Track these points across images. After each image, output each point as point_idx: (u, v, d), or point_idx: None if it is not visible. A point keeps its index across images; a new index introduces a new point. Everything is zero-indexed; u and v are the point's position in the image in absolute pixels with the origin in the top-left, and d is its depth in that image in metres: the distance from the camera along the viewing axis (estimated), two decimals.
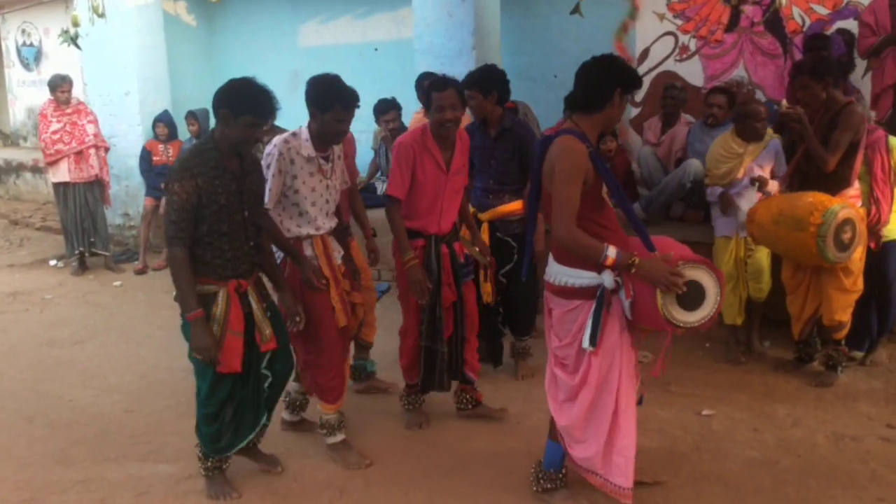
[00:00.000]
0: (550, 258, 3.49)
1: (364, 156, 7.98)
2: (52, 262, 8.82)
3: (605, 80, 3.31)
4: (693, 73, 7.38)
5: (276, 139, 4.03)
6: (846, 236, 4.44)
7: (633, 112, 7.71)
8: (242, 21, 9.87)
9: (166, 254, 3.55)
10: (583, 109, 3.37)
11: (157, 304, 7.31)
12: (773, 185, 5.11)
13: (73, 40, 5.90)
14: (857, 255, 4.68)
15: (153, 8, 8.95)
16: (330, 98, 3.96)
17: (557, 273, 3.42)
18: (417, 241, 4.32)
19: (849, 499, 3.67)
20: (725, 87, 6.70)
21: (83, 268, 8.40)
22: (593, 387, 3.38)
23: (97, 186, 8.33)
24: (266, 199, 3.92)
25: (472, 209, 4.92)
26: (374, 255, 4.74)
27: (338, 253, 4.29)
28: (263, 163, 3.95)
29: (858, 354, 5.20)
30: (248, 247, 3.73)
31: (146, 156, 8.65)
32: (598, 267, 3.25)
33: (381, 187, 7.57)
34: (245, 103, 3.52)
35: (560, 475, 3.66)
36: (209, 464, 3.90)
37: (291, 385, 4.39)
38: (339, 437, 4.22)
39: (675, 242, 3.44)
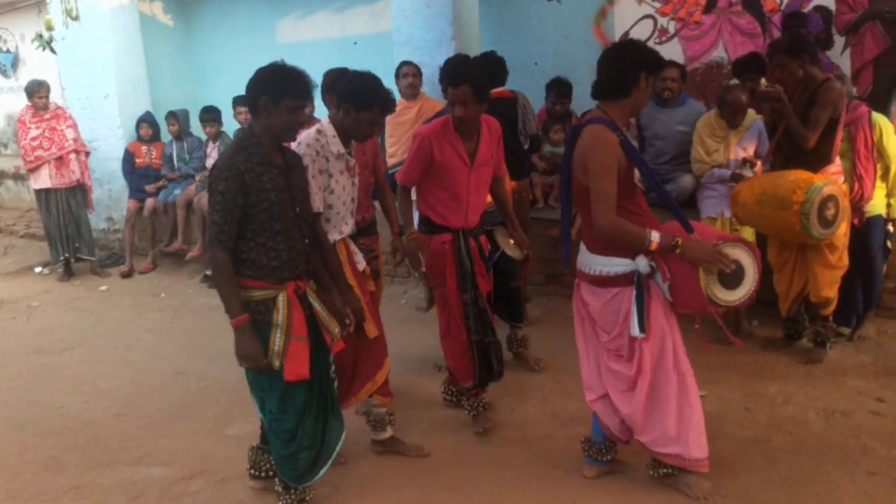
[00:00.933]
0: (583, 248, 3.50)
1: None
2: (38, 270, 8.77)
3: (629, 65, 3.32)
4: (673, 55, 7.35)
5: (304, 137, 3.78)
6: (829, 213, 4.46)
7: None
8: (219, 19, 9.80)
9: (208, 258, 3.44)
10: (610, 97, 3.37)
11: (144, 308, 7.28)
12: (758, 166, 5.13)
13: (48, 44, 5.84)
14: (842, 231, 4.70)
15: (129, 9, 8.87)
16: (371, 99, 3.78)
17: (591, 263, 3.44)
18: (444, 236, 4.31)
19: (841, 473, 3.70)
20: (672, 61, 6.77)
21: (69, 274, 8.35)
22: (649, 372, 3.42)
23: (79, 191, 8.28)
24: (318, 202, 3.70)
25: None
26: (398, 253, 4.51)
27: (358, 255, 4.12)
28: (308, 167, 3.71)
29: (846, 331, 5.24)
30: (302, 245, 3.45)
31: (129, 158, 8.61)
32: (633, 253, 3.30)
33: None
34: (284, 87, 3.34)
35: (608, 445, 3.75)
36: (292, 497, 3.57)
37: (368, 402, 4.14)
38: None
39: (703, 224, 3.48)
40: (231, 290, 3.27)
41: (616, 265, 3.37)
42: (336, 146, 3.80)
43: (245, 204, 3.22)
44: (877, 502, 3.50)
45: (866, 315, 5.29)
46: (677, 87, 6.05)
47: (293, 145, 3.68)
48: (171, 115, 8.40)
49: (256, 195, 3.23)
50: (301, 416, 3.43)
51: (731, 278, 3.25)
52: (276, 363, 3.32)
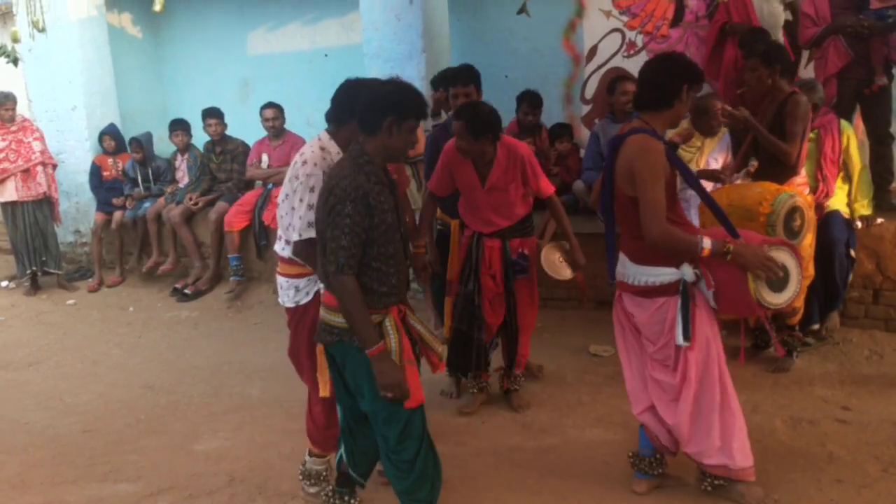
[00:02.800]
0: (625, 259, 3.52)
1: None
2: (4, 284, 8.62)
3: (672, 77, 3.37)
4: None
5: (310, 152, 3.48)
6: (795, 224, 4.51)
7: (585, 110, 7.77)
8: (189, 31, 9.75)
9: (333, 287, 3.01)
10: (652, 107, 3.41)
11: (112, 322, 7.21)
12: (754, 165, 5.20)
13: (14, 59, 5.77)
14: (808, 242, 4.76)
15: (97, 21, 8.80)
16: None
17: (636, 274, 3.46)
18: (467, 232, 4.62)
19: (808, 481, 3.73)
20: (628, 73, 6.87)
21: (35, 288, 8.23)
22: (694, 382, 3.44)
23: (46, 204, 8.18)
24: (304, 228, 3.40)
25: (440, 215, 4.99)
26: (423, 273, 4.41)
27: None
28: (307, 183, 3.39)
29: (812, 340, 5.30)
30: (406, 267, 3.26)
31: (96, 171, 8.53)
32: (678, 261, 3.33)
33: None
34: (411, 106, 3.09)
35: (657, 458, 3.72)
36: None
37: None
38: (327, 488, 3.77)
39: (746, 230, 3.51)
40: (365, 317, 3.00)
41: (661, 275, 3.39)
42: None
43: (369, 226, 3.02)
44: None
45: (829, 314, 5.37)
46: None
47: (296, 161, 3.49)
48: (135, 142, 8.35)
49: (379, 216, 3.03)
50: (420, 444, 3.21)
51: (777, 281, 3.32)
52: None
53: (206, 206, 7.87)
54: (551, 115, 7.47)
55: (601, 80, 7.59)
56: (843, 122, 5.26)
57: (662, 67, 3.41)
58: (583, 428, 4.45)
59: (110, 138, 8.48)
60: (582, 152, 6.81)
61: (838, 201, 5.31)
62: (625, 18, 7.46)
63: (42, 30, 6.08)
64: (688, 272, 3.34)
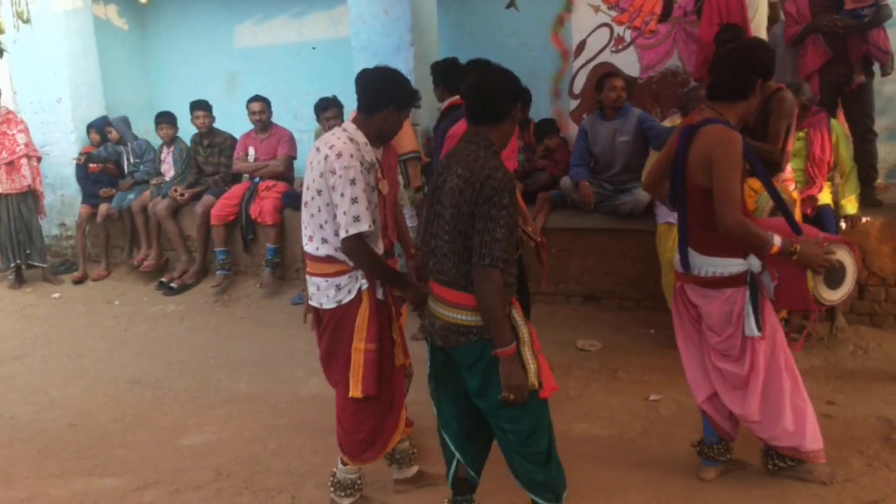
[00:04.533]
0: (690, 251, 3.52)
1: (306, 155, 7.91)
2: None
3: (753, 70, 3.41)
4: (629, 63, 7.46)
5: (341, 143, 3.33)
6: None
7: (573, 104, 7.78)
8: (176, 23, 9.69)
9: (480, 281, 2.85)
10: (728, 98, 3.43)
11: (97, 315, 7.17)
12: None
13: None
14: None
15: (82, 12, 8.72)
16: (412, 95, 3.50)
17: (703, 265, 3.48)
18: None
19: (792, 475, 3.75)
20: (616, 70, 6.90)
21: (20, 281, 8.17)
22: (762, 371, 3.50)
23: (30, 197, 8.10)
24: (366, 221, 3.28)
25: None
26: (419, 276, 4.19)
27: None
28: (347, 176, 3.27)
29: (797, 336, 5.34)
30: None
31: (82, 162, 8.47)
32: (745, 253, 3.38)
33: None
34: (522, 93, 3.14)
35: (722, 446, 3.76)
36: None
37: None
38: (357, 496, 3.73)
39: (807, 225, 3.62)
40: (504, 314, 2.93)
41: (730, 265, 3.42)
42: (370, 154, 3.41)
43: None
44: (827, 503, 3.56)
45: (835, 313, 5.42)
46: (626, 96, 6.15)
47: (328, 154, 3.33)
48: (107, 124, 8.40)
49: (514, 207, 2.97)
50: (551, 432, 3.14)
51: (834, 278, 3.37)
52: (536, 382, 2.97)
53: (192, 199, 7.83)
54: (539, 109, 7.47)
55: (589, 76, 7.60)
56: (833, 122, 5.32)
57: (743, 59, 3.43)
58: (570, 422, 4.46)
59: (95, 131, 8.43)
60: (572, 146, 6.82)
61: (825, 195, 5.39)
62: (613, 13, 7.47)
63: (27, 21, 6.03)
64: (755, 263, 3.40)
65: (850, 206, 5.42)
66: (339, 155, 3.29)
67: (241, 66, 9.36)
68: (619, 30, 7.49)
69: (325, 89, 7.26)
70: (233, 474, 4.11)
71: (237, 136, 7.91)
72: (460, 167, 2.95)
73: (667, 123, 5.91)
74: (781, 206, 3.51)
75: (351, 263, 3.40)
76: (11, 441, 4.67)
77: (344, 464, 3.67)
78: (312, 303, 3.58)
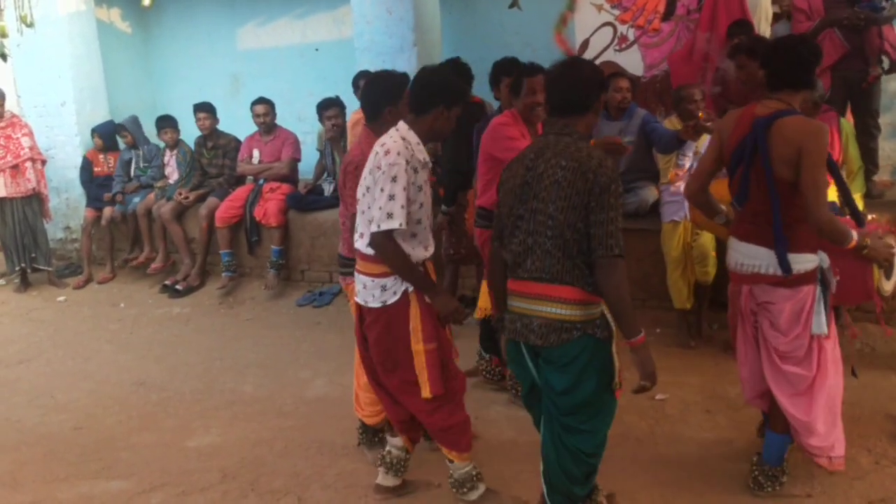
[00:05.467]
0: (757, 248, 3.41)
1: (310, 157, 7.93)
2: None
3: (815, 58, 3.39)
4: (633, 62, 7.45)
5: (391, 144, 3.35)
6: None
7: None
8: (178, 26, 9.70)
9: (611, 273, 2.84)
10: (791, 86, 3.37)
11: (103, 319, 7.17)
12: None
13: (1, 54, 5.72)
14: None
15: (86, 16, 8.74)
16: (461, 92, 3.53)
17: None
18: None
19: (801, 473, 3.73)
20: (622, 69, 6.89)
21: (25, 284, 8.18)
22: (831, 373, 3.42)
23: (35, 201, 8.12)
24: (398, 218, 3.27)
25: None
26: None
27: None
28: (389, 172, 3.27)
29: None
30: None
31: (87, 166, 8.48)
32: (816, 249, 3.34)
33: (328, 189, 7.51)
34: (606, 85, 3.17)
35: (781, 470, 3.62)
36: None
37: (391, 441, 3.83)
38: (482, 488, 3.70)
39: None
40: (631, 305, 2.96)
41: (805, 262, 3.33)
42: (422, 154, 3.42)
43: None
44: (835, 502, 3.56)
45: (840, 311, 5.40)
46: (631, 96, 6.15)
47: (377, 151, 3.36)
48: (121, 127, 8.38)
49: None
50: (605, 442, 3.16)
51: (889, 268, 3.40)
52: (619, 381, 3.03)
53: (196, 202, 7.84)
54: None
55: None
56: (842, 120, 5.28)
57: (804, 48, 3.40)
58: None
59: (98, 136, 8.42)
60: None
61: (831, 196, 5.32)
62: (616, 12, 7.46)
63: (30, 25, 6.04)
64: (825, 258, 3.34)
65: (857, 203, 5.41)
66: (387, 152, 3.30)
67: (245, 68, 9.37)
68: (622, 29, 7.48)
69: (328, 90, 7.27)
70: (239, 476, 4.11)
71: (241, 138, 7.91)
72: (563, 160, 2.91)
73: (667, 125, 5.88)
74: (848, 199, 3.53)
75: None
76: (17, 445, 4.67)
77: (450, 461, 3.64)
78: (357, 299, 3.56)
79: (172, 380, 5.55)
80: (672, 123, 5.61)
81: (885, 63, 5.85)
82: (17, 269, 8.09)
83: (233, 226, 7.57)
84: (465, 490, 3.65)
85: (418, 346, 3.40)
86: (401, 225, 3.27)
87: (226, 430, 4.71)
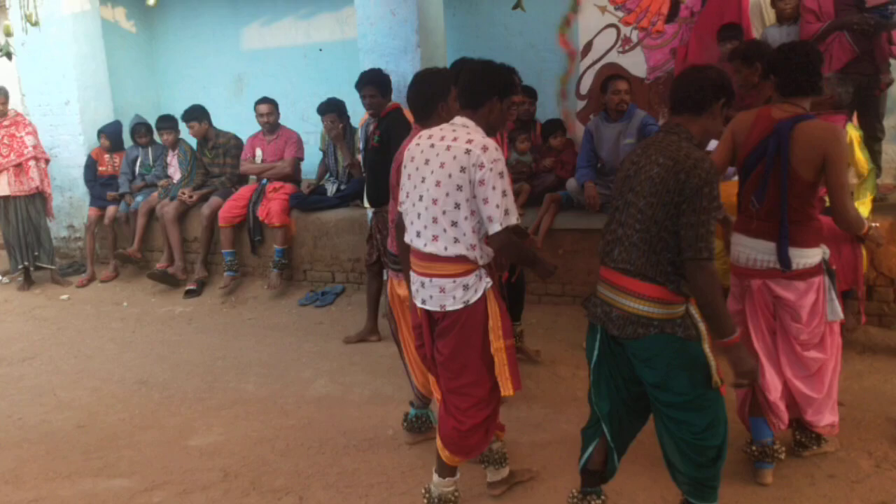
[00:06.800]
0: (771, 245, 3.56)
1: (313, 157, 7.95)
2: None
3: (819, 65, 3.56)
4: (636, 64, 7.45)
5: (481, 137, 3.26)
6: None
7: (580, 105, 7.77)
8: (183, 26, 9.72)
9: (699, 276, 2.83)
10: (803, 92, 3.54)
11: (106, 317, 7.19)
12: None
13: (7, 53, 5.73)
14: None
15: (91, 15, 8.76)
16: (512, 82, 3.46)
17: (797, 257, 3.53)
18: None
19: (801, 477, 3.75)
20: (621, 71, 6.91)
21: (29, 283, 8.21)
22: (839, 352, 3.74)
23: (39, 199, 8.15)
24: (514, 214, 3.24)
25: None
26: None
27: None
28: (496, 169, 3.18)
29: None
30: None
31: (91, 164, 8.50)
32: (818, 242, 3.57)
33: (330, 189, 7.52)
34: (728, 91, 3.16)
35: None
36: None
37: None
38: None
39: None
40: (725, 304, 2.99)
41: (814, 255, 3.54)
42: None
43: None
44: None
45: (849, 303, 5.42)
46: (630, 98, 6.15)
47: (470, 149, 3.21)
48: (143, 126, 8.40)
49: None
50: (726, 427, 3.10)
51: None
52: (718, 378, 2.99)
53: (199, 201, 7.86)
54: (546, 110, 7.48)
55: (596, 76, 7.59)
56: (849, 125, 5.26)
57: (815, 54, 3.56)
58: (577, 423, 4.41)
59: (105, 137, 8.44)
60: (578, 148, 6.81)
61: None
62: (620, 14, 7.46)
63: (35, 23, 6.04)
64: (826, 250, 3.58)
65: (864, 208, 5.38)
66: (484, 148, 3.19)
67: (249, 67, 9.38)
68: (625, 30, 7.47)
69: (331, 91, 7.29)
70: (240, 475, 4.12)
71: (244, 138, 7.92)
72: (661, 156, 2.94)
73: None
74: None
75: (481, 261, 3.32)
76: (20, 442, 4.69)
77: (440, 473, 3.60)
78: (427, 306, 3.41)
79: (175, 378, 5.56)
80: None
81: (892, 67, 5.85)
82: (20, 267, 8.13)
83: (236, 225, 7.59)
84: (494, 469, 3.71)
85: (498, 343, 3.35)
86: (518, 219, 3.26)
87: (228, 428, 4.72)
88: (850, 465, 3.83)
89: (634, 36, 7.44)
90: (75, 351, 6.31)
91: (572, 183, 6.41)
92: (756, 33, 6.29)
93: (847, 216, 3.51)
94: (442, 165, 3.25)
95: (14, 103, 8.24)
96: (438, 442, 3.56)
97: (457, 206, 3.23)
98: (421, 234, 3.36)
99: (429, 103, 3.78)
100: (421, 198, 3.33)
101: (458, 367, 3.41)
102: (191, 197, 7.81)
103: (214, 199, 7.72)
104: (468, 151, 3.19)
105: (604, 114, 6.34)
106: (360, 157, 6.99)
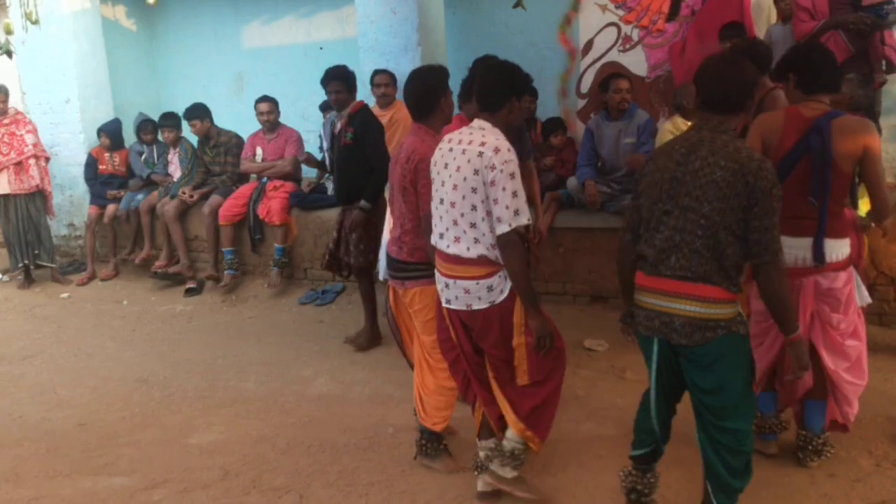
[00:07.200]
0: (827, 239, 3.60)
1: (313, 155, 7.94)
2: None
3: (836, 63, 3.65)
4: (637, 62, 7.45)
5: (493, 139, 3.28)
6: None
7: (580, 104, 7.77)
8: (184, 24, 9.72)
9: (775, 277, 2.86)
10: (824, 90, 3.60)
11: (106, 315, 7.19)
12: None
13: (7, 51, 5.73)
14: None
15: (91, 13, 8.76)
16: (526, 81, 3.49)
17: (835, 249, 3.60)
18: None
19: (801, 476, 3.75)
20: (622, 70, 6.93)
21: (29, 281, 8.21)
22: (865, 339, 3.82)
23: (39, 197, 8.15)
24: (524, 215, 3.25)
25: None
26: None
27: None
28: (507, 170, 3.20)
29: None
30: None
31: (92, 163, 8.49)
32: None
33: (330, 187, 7.52)
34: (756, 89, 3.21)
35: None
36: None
37: (483, 444, 3.73)
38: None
39: None
40: (791, 303, 3.08)
41: (847, 245, 3.65)
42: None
43: None
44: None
45: None
46: (631, 97, 6.15)
47: (482, 151, 3.24)
48: (150, 123, 8.39)
49: None
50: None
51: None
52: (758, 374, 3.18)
53: (200, 199, 7.85)
54: (546, 109, 7.48)
55: (597, 75, 7.59)
56: None
57: (829, 53, 3.67)
58: (578, 422, 4.46)
59: (105, 135, 8.43)
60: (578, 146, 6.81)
61: None
62: (621, 13, 7.46)
63: (35, 22, 6.04)
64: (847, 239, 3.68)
65: (865, 206, 5.38)
66: (496, 150, 3.21)
67: (249, 66, 9.38)
68: (626, 29, 7.47)
69: None
70: (240, 473, 4.12)
71: (245, 136, 7.92)
72: (721, 159, 2.86)
73: (668, 126, 5.88)
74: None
75: (501, 262, 3.32)
76: (20, 440, 4.69)
77: (507, 440, 3.61)
78: (453, 307, 3.45)
79: (175, 377, 5.56)
80: (675, 123, 5.61)
81: (885, 66, 5.85)
82: (20, 265, 8.13)
83: (236, 224, 7.59)
84: (506, 463, 3.60)
85: (520, 339, 3.38)
86: (528, 220, 3.27)
87: (228, 427, 4.72)
88: (850, 463, 3.83)
89: (635, 34, 7.44)
90: (75, 349, 6.31)
91: (573, 181, 6.41)
92: (759, 32, 6.28)
93: (887, 205, 3.58)
94: (458, 169, 3.30)
95: (14, 101, 8.24)
96: (511, 416, 3.53)
97: (473, 207, 3.27)
98: (444, 235, 3.42)
99: (430, 99, 3.78)
100: (442, 201, 3.39)
101: (478, 364, 3.58)
102: (191, 196, 7.81)
103: (215, 198, 7.72)
104: (481, 154, 3.24)
105: (604, 112, 6.34)
106: (324, 155, 7.00)
